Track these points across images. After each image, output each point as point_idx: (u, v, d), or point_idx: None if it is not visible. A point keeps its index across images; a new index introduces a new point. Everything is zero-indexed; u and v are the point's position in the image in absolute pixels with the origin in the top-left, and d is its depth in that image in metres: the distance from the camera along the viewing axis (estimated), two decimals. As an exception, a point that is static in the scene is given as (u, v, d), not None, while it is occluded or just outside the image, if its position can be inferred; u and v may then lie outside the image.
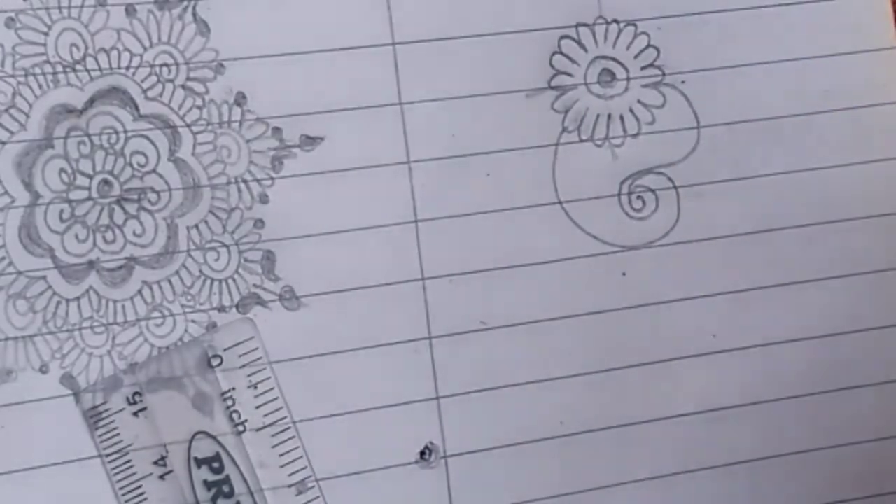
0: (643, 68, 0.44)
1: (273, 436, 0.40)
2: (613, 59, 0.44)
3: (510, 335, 0.42)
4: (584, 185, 0.43)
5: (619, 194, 0.43)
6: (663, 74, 0.44)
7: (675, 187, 0.43)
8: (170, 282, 0.40)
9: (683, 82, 0.44)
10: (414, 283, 0.42)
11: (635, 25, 0.44)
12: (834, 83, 0.45)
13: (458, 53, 0.42)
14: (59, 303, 0.39)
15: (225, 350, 0.40)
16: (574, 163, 0.43)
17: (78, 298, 0.39)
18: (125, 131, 0.40)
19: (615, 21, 0.44)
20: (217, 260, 0.40)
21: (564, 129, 0.43)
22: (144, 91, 0.40)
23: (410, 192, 0.42)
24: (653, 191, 0.43)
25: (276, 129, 0.41)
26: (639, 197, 0.43)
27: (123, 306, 0.40)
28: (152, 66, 0.40)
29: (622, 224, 0.43)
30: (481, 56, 0.42)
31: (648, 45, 0.44)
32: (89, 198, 0.39)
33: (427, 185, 0.42)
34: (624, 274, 0.43)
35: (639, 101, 0.44)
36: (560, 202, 0.43)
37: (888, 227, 0.45)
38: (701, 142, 0.44)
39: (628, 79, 0.44)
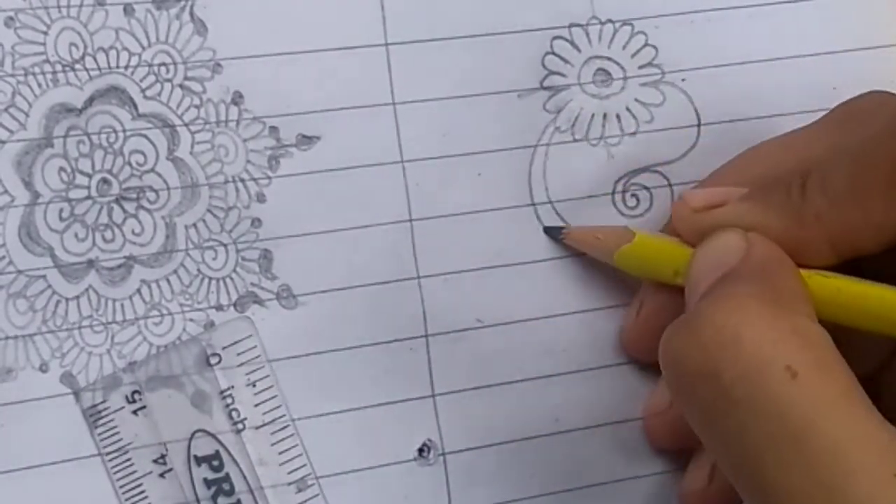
0: (641, 67, 0.44)
1: (272, 434, 0.41)
2: (609, 58, 0.44)
3: (505, 333, 0.43)
4: (577, 184, 0.43)
5: (614, 193, 0.43)
6: (663, 73, 0.44)
7: (671, 185, 0.43)
8: (168, 281, 0.40)
9: (684, 80, 0.44)
10: (409, 282, 0.42)
11: (632, 25, 0.44)
12: (838, 80, 0.44)
13: (450, 54, 0.42)
14: (58, 302, 0.39)
15: (223, 348, 0.40)
16: (566, 162, 0.43)
17: (77, 297, 0.39)
18: (124, 130, 0.40)
19: (610, 21, 0.44)
20: (215, 259, 0.40)
21: (557, 129, 0.43)
22: (143, 90, 0.40)
23: (405, 191, 0.42)
24: (647, 188, 0.43)
25: (273, 129, 0.41)
26: (633, 195, 0.43)
27: (122, 305, 0.40)
28: (150, 65, 0.40)
29: (614, 222, 0.43)
30: (473, 57, 0.42)
31: (646, 44, 0.44)
32: (88, 197, 0.40)
33: (421, 184, 0.42)
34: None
35: (636, 100, 0.44)
36: (550, 201, 0.43)
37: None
38: (701, 139, 0.44)
39: (625, 78, 0.44)
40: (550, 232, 0.43)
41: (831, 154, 0.37)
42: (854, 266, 0.37)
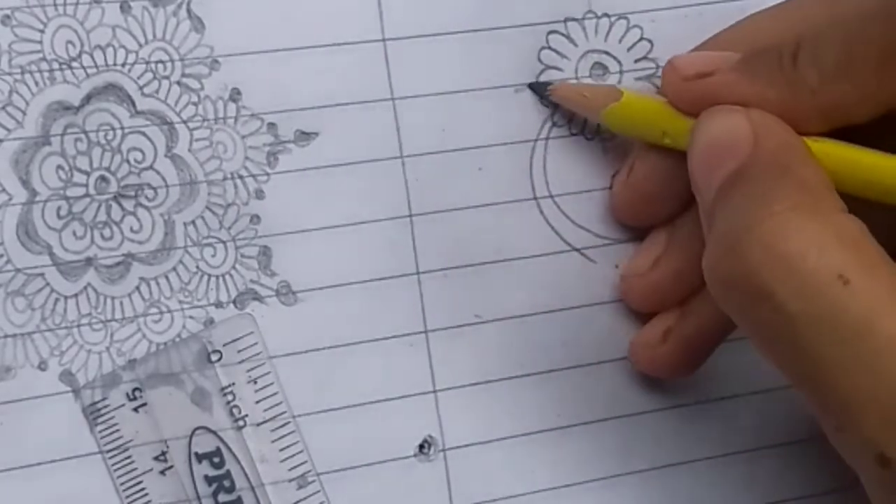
0: (637, 61, 0.44)
1: (273, 430, 0.41)
2: (606, 52, 0.44)
3: (505, 328, 0.43)
4: (575, 178, 0.43)
5: (611, 187, 0.43)
6: (657, 67, 0.44)
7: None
8: (167, 278, 0.40)
9: (676, 74, 0.44)
10: (409, 278, 0.42)
11: (627, 19, 0.44)
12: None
13: (447, 49, 0.42)
14: (57, 300, 0.39)
15: (224, 345, 0.40)
16: (564, 157, 0.43)
17: (76, 295, 0.39)
18: (122, 128, 0.40)
19: (606, 15, 0.44)
20: (214, 256, 0.40)
21: (554, 124, 0.43)
22: (140, 88, 0.40)
23: (404, 186, 0.42)
24: (643, 182, 0.43)
25: (271, 125, 0.41)
26: (630, 189, 0.43)
27: (121, 303, 0.40)
28: (148, 62, 0.40)
29: (613, 216, 0.44)
30: (470, 52, 0.42)
31: (641, 38, 0.44)
32: (87, 195, 0.39)
33: (420, 179, 0.42)
34: (616, 266, 0.43)
35: (631, 94, 0.44)
36: (551, 195, 0.43)
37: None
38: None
39: (621, 72, 0.44)
40: (536, 87, 0.43)
41: (824, 26, 0.37)
42: (842, 132, 0.37)
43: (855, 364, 0.31)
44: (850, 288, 0.32)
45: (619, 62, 0.44)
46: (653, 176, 0.41)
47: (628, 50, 0.44)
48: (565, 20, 0.43)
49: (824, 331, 0.32)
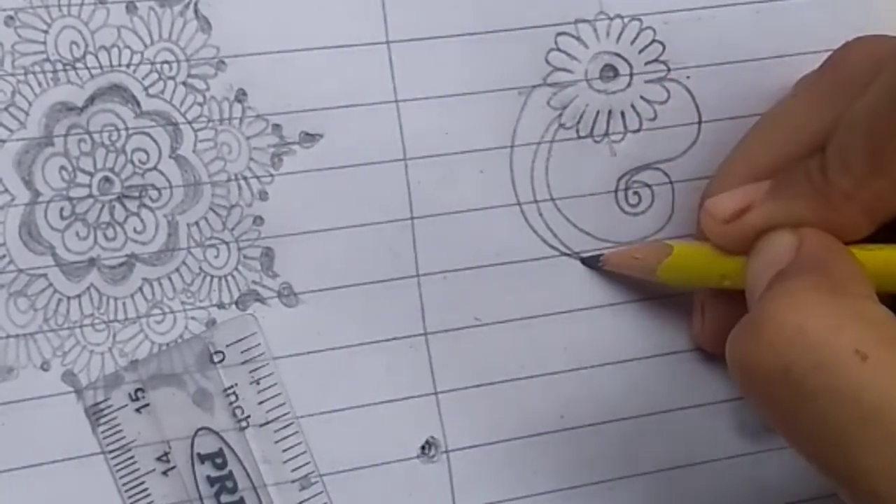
0: (648, 63, 0.44)
1: (276, 431, 0.41)
2: (617, 54, 0.43)
3: (504, 331, 0.42)
4: (580, 181, 0.43)
5: (616, 190, 0.43)
6: (668, 69, 0.44)
7: (671, 182, 0.43)
8: (170, 279, 0.40)
9: (688, 77, 0.44)
10: (409, 280, 0.42)
11: (640, 20, 0.43)
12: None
13: (452, 52, 0.42)
14: (59, 300, 0.39)
15: (227, 346, 0.40)
16: (569, 160, 0.43)
17: (79, 296, 0.39)
18: (126, 129, 0.40)
19: (619, 16, 0.43)
20: (217, 257, 0.40)
21: (561, 126, 0.43)
22: (146, 88, 0.40)
23: (406, 188, 0.42)
24: (649, 186, 0.43)
25: (276, 126, 0.41)
26: (635, 193, 0.43)
27: (124, 303, 0.40)
28: (153, 63, 0.40)
29: (616, 220, 0.43)
30: (475, 54, 0.42)
31: (654, 40, 0.44)
32: (90, 195, 0.40)
33: (422, 182, 0.42)
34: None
35: (641, 97, 0.43)
36: (553, 199, 0.43)
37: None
38: (701, 137, 0.43)
39: (631, 74, 0.43)
40: (589, 262, 0.43)
41: (839, 127, 0.37)
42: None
43: (877, 445, 0.31)
44: (869, 364, 0.31)
45: (629, 64, 0.43)
46: (725, 316, 0.41)
47: (640, 52, 0.44)
48: (575, 21, 0.43)
49: (843, 410, 0.31)
